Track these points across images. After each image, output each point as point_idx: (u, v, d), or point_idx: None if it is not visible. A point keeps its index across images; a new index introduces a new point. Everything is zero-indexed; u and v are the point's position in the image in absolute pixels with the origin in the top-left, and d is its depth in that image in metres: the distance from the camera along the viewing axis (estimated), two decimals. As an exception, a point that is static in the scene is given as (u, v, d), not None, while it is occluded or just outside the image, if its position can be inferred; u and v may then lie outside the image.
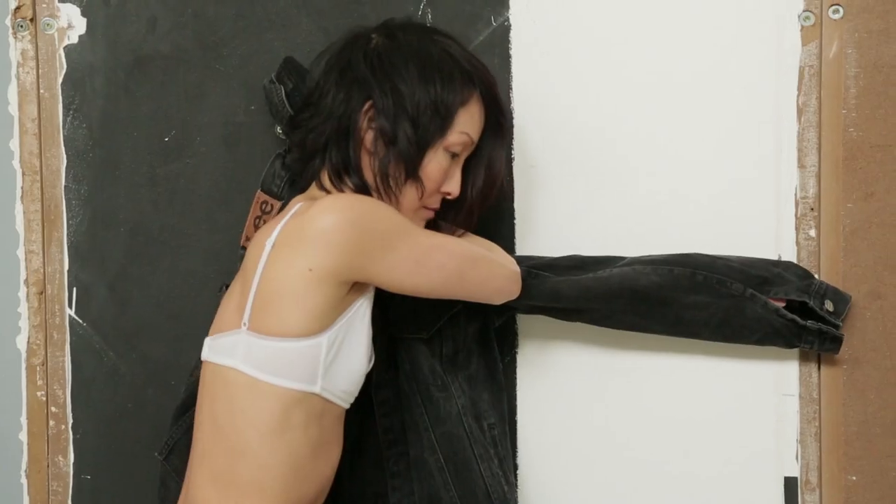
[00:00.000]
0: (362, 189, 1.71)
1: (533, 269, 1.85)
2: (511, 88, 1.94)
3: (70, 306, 2.02)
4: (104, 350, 2.01)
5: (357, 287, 1.65)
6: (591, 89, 1.92)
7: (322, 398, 1.63)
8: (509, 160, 1.89)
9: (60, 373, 2.02)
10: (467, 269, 1.68)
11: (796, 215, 1.88)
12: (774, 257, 1.88)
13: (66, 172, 2.01)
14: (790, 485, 1.91)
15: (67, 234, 2.01)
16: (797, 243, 1.88)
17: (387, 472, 1.86)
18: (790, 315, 1.82)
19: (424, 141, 1.68)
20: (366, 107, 1.68)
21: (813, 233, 1.88)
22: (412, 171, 1.69)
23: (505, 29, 1.94)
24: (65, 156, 2.00)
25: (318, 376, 1.61)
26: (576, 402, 1.95)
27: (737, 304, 1.82)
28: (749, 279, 1.83)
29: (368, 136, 1.69)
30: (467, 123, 1.71)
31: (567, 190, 1.94)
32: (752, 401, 1.91)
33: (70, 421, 2.03)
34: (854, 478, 1.89)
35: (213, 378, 1.65)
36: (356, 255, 1.58)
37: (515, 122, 1.93)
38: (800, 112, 1.87)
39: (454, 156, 1.73)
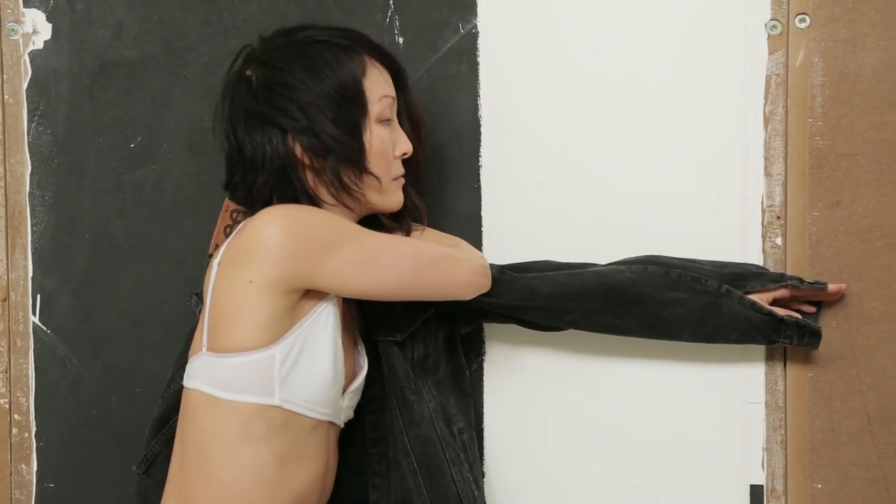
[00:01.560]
0: (324, 209, 1.71)
1: (506, 269, 1.84)
2: (479, 96, 1.94)
3: (34, 313, 2.00)
4: (68, 357, 2.00)
5: (314, 294, 1.64)
6: (559, 97, 1.92)
7: (283, 410, 1.62)
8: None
9: (24, 380, 2.01)
10: (422, 268, 1.67)
11: (763, 223, 1.89)
12: (741, 265, 1.89)
13: (31, 178, 1.99)
14: (756, 492, 1.91)
15: (31, 241, 1.99)
16: (763, 251, 1.89)
17: (369, 470, 1.85)
18: (767, 308, 1.81)
19: (353, 130, 1.68)
20: (286, 137, 1.68)
21: (779, 241, 1.88)
22: (361, 164, 1.69)
23: (473, 36, 1.94)
24: (29, 162, 1.99)
25: (275, 388, 1.61)
26: (542, 410, 1.95)
27: (713, 300, 1.80)
28: (723, 277, 1.82)
29: (306, 160, 1.69)
30: (378, 87, 1.72)
31: (535, 198, 1.94)
32: (719, 409, 1.91)
33: (33, 429, 2.01)
34: (819, 485, 1.89)
35: (185, 401, 1.68)
36: (295, 263, 1.59)
37: (483, 129, 1.93)
38: (766, 120, 1.88)
39: (388, 121, 1.73)
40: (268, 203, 1.71)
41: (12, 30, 1.97)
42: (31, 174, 1.99)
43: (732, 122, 1.88)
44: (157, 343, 1.97)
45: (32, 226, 1.99)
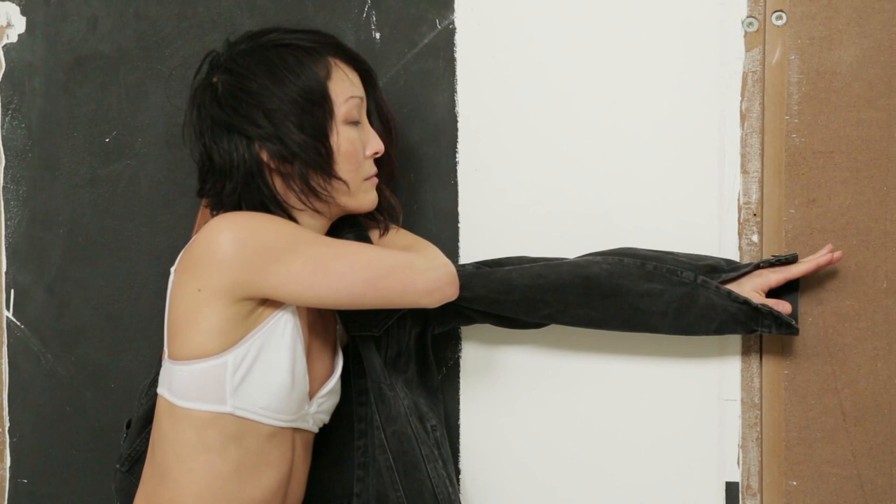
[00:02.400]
0: (292, 217, 1.71)
1: (482, 265, 1.84)
2: (456, 92, 1.93)
3: (7, 308, 1.99)
4: (42, 352, 1.99)
5: (270, 302, 1.65)
6: (536, 93, 1.92)
7: (237, 417, 1.63)
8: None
9: (-3, 375, 2.00)
10: (379, 276, 1.64)
11: (739, 221, 1.89)
12: (717, 262, 1.89)
13: (5, 173, 1.98)
14: (731, 489, 1.91)
15: (5, 235, 1.99)
16: (740, 248, 1.89)
17: (354, 461, 1.84)
18: (742, 297, 1.79)
19: (319, 133, 1.67)
20: (252, 144, 1.67)
21: (756, 238, 1.88)
22: (328, 168, 1.68)
23: (450, 32, 1.93)
24: (3, 156, 1.98)
25: (227, 395, 1.62)
26: (518, 407, 1.95)
27: (690, 292, 1.79)
28: (698, 268, 1.82)
29: (273, 166, 1.68)
30: (345, 88, 1.71)
31: (512, 194, 1.93)
32: (694, 405, 1.91)
33: (7, 424, 2.00)
34: (794, 483, 1.89)
35: (157, 404, 1.70)
36: (242, 272, 1.59)
37: (460, 125, 1.93)
38: (743, 117, 1.88)
39: (356, 122, 1.72)
40: (237, 209, 1.71)
41: (-14, 23, 1.97)
42: (5, 168, 1.98)
43: (709, 119, 1.88)
44: (132, 339, 1.97)
45: (6, 220, 1.98)
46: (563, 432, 1.94)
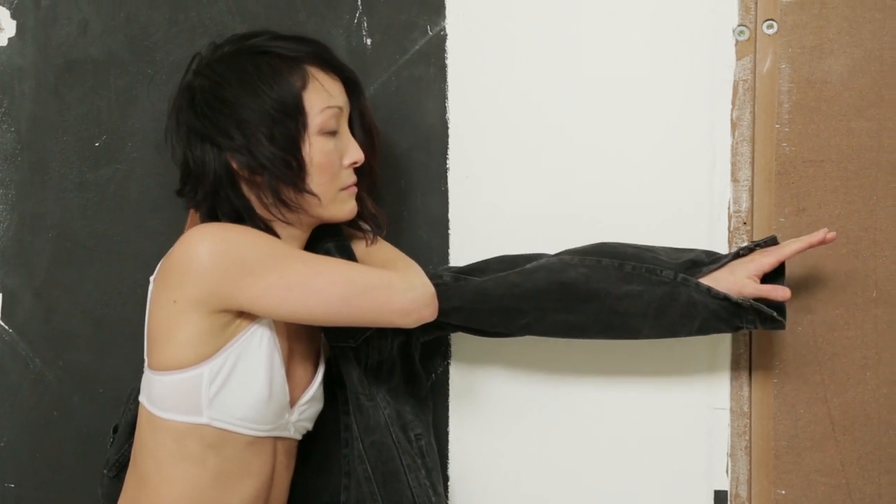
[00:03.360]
0: (268, 226, 1.70)
1: (461, 274, 1.82)
2: (447, 98, 1.93)
3: (-5, 312, 1.99)
4: (30, 357, 1.99)
5: (247, 314, 1.64)
6: (527, 100, 1.92)
7: (214, 428, 1.63)
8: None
9: (-15, 379, 2.00)
10: (354, 295, 1.63)
11: (729, 229, 1.89)
12: (707, 270, 1.88)
13: (-6, 176, 1.98)
14: (720, 498, 1.91)
15: (-6, 239, 1.98)
16: (730, 257, 1.89)
17: (342, 469, 1.84)
18: (722, 293, 1.73)
19: (291, 145, 1.66)
20: (223, 154, 1.66)
21: (746, 247, 1.88)
22: (297, 182, 1.67)
23: (441, 38, 1.93)
24: (-8, 159, 1.98)
25: (203, 407, 1.62)
26: (508, 415, 1.95)
27: (670, 291, 1.74)
28: (679, 266, 1.77)
29: (245, 175, 1.68)
30: (321, 98, 1.68)
31: (502, 200, 1.93)
32: (683, 414, 1.91)
33: (-6, 428, 2.00)
34: (783, 492, 1.89)
35: (138, 413, 1.71)
36: (217, 284, 1.58)
37: (451, 132, 1.93)
38: (734, 126, 1.88)
39: (334, 132, 1.70)
40: (212, 214, 1.71)
41: (-24, 27, 1.96)
42: (-5, 172, 1.98)
43: (700, 127, 1.89)
44: (120, 344, 1.96)
45: (-5, 224, 1.98)
46: (552, 439, 1.94)
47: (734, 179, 1.88)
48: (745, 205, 1.88)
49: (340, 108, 1.71)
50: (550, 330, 1.78)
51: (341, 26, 1.93)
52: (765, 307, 1.72)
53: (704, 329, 1.75)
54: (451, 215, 1.94)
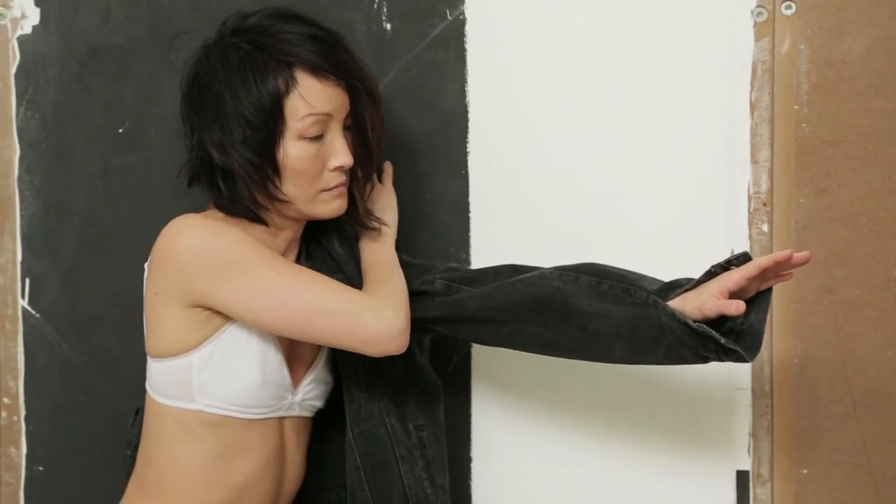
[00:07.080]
0: (257, 215, 1.70)
1: (454, 282, 1.77)
2: (466, 82, 1.94)
3: (23, 297, 2.00)
4: (57, 341, 2.00)
5: None
6: (546, 84, 1.93)
7: (209, 413, 1.66)
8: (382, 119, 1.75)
9: (13, 364, 2.01)
10: (319, 317, 1.61)
11: (749, 210, 1.89)
12: (727, 252, 1.88)
13: (19, 163, 1.99)
14: (742, 478, 1.92)
15: (20, 225, 1.99)
16: (750, 238, 1.89)
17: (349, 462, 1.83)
18: (683, 318, 1.59)
19: (265, 149, 1.63)
20: (206, 146, 1.66)
21: (766, 228, 1.89)
22: (268, 187, 1.65)
23: (460, 23, 1.94)
24: (18, 146, 1.99)
25: (195, 393, 1.65)
26: (530, 397, 1.96)
27: (640, 312, 1.63)
28: (661, 291, 1.65)
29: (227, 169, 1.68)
30: (305, 104, 1.63)
31: (522, 184, 1.94)
32: (705, 394, 1.92)
33: (22, 412, 2.01)
34: (805, 471, 1.90)
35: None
36: (190, 280, 1.60)
37: (471, 116, 1.94)
38: (752, 107, 1.88)
39: (318, 137, 1.65)
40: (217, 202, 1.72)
41: (0, 15, 1.98)
42: (20, 159, 1.99)
43: (718, 109, 1.89)
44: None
45: (21, 210, 1.99)
46: (573, 420, 1.95)
47: (753, 161, 1.89)
48: (764, 186, 1.88)
49: (328, 115, 1.65)
50: (529, 343, 1.72)
51: (361, 11, 1.94)
52: (722, 339, 1.57)
53: (670, 355, 1.62)
54: (471, 199, 1.95)
